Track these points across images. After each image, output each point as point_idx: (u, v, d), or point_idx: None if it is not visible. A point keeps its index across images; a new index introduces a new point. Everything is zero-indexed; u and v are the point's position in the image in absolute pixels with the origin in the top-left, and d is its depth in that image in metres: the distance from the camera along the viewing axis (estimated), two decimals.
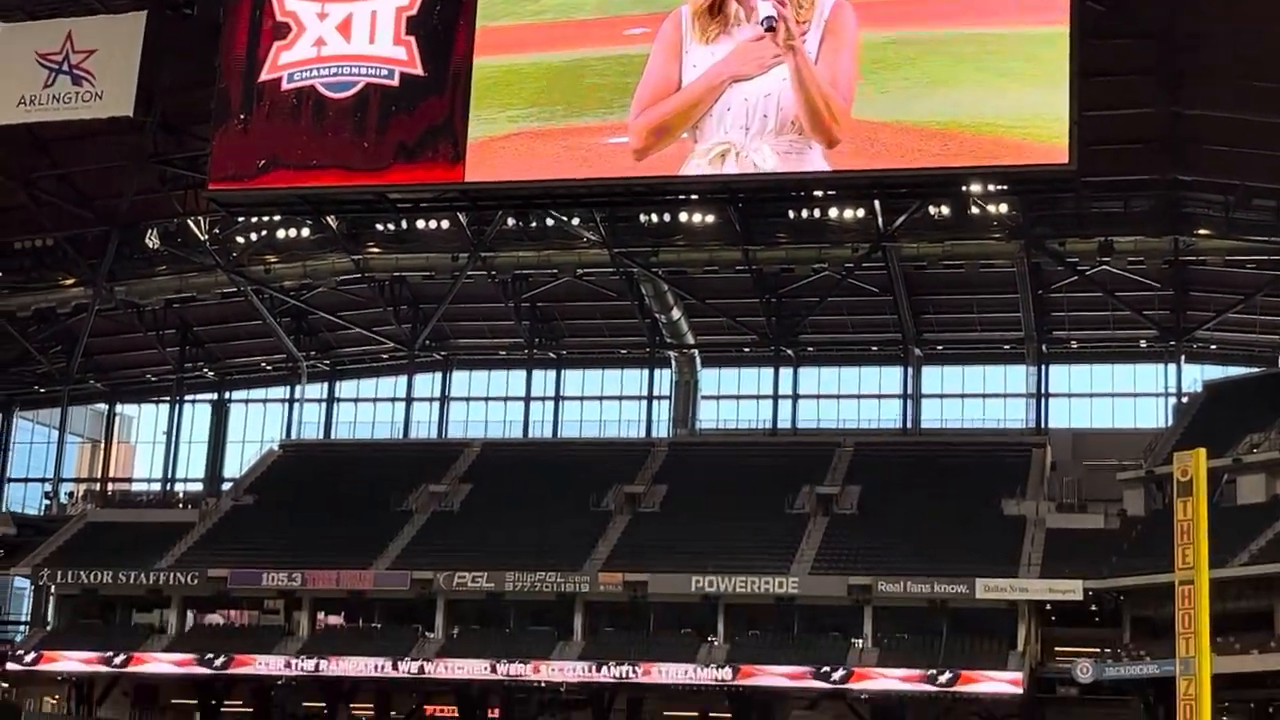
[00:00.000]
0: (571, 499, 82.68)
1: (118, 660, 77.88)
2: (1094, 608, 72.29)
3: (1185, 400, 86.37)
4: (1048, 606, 72.45)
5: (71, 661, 78.70)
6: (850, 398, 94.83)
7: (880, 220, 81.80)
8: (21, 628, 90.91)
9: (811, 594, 73.75)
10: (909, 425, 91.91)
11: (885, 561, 74.18)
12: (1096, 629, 73.17)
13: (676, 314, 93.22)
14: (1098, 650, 70.66)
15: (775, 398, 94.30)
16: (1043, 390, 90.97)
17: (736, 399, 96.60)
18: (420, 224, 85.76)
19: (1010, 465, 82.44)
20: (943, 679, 69.62)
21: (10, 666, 79.62)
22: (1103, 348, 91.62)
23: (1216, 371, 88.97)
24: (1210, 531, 53.52)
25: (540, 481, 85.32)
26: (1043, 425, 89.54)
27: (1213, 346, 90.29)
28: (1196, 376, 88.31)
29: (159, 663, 78.10)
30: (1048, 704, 73.84)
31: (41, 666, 79.03)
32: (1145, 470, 76.40)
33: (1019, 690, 69.45)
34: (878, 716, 74.68)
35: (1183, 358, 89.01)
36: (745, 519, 78.81)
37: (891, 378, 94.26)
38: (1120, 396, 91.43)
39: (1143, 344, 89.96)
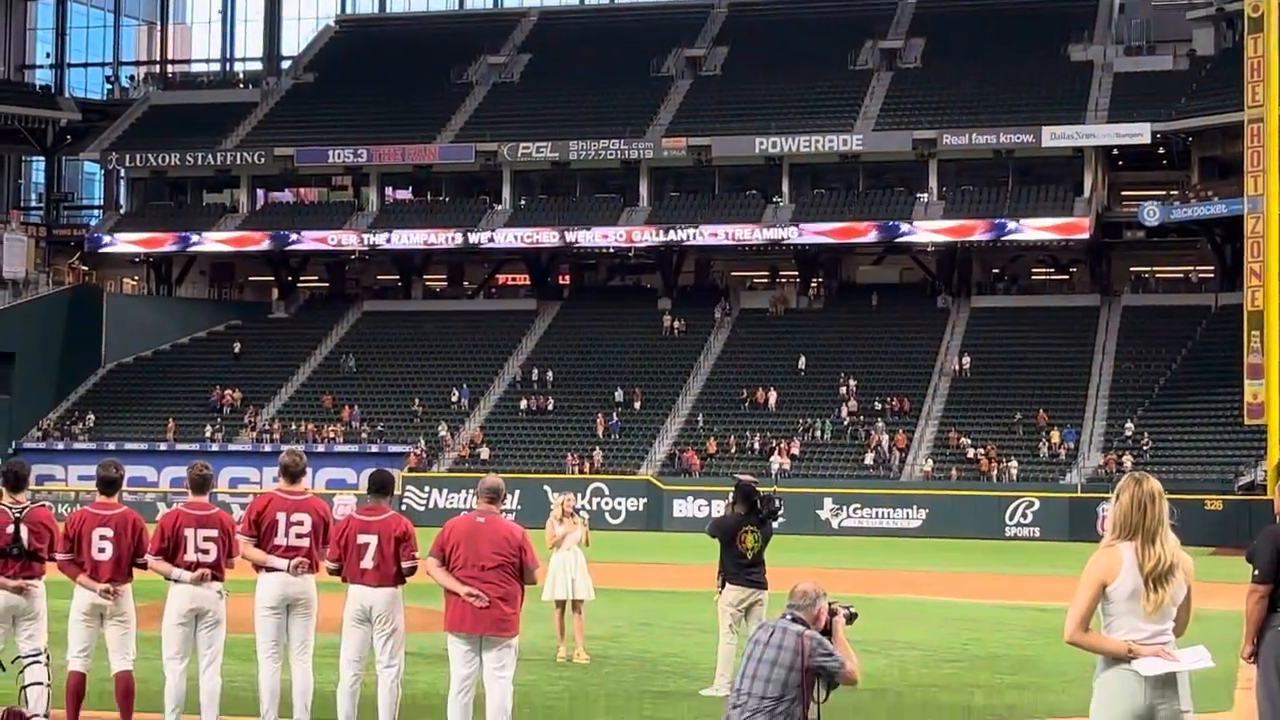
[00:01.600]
0: (632, 65, 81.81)
1: (192, 240, 79.29)
2: (1161, 150, 71.83)
3: None
4: (1114, 151, 72.11)
5: (147, 243, 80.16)
6: None
7: None
8: (95, 212, 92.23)
9: (875, 150, 73.60)
10: None
11: (950, 114, 73.62)
12: (1164, 171, 72.98)
13: None
14: (1165, 192, 70.59)
15: None
16: None
17: None
18: None
19: (1076, 8, 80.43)
20: (1008, 229, 69.98)
21: (88, 250, 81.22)
22: None
23: None
24: None
25: (599, 49, 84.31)
26: None
27: None
28: None
29: (232, 242, 79.47)
30: (1114, 248, 74.32)
31: (118, 249, 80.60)
32: (1215, 7, 74.49)
33: (1085, 236, 69.79)
34: (943, 269, 75.46)
35: None
36: (807, 77, 78.01)
37: None
38: None
39: None
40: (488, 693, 11.89)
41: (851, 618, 9.67)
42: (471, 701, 11.94)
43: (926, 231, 71.48)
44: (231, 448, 69.37)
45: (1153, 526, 7.46)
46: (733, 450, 64.88)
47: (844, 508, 60.06)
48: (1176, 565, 7.48)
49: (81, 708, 12.41)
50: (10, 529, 12.44)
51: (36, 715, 12.45)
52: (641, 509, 61.97)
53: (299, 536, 12.40)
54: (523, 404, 70.51)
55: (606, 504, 61.62)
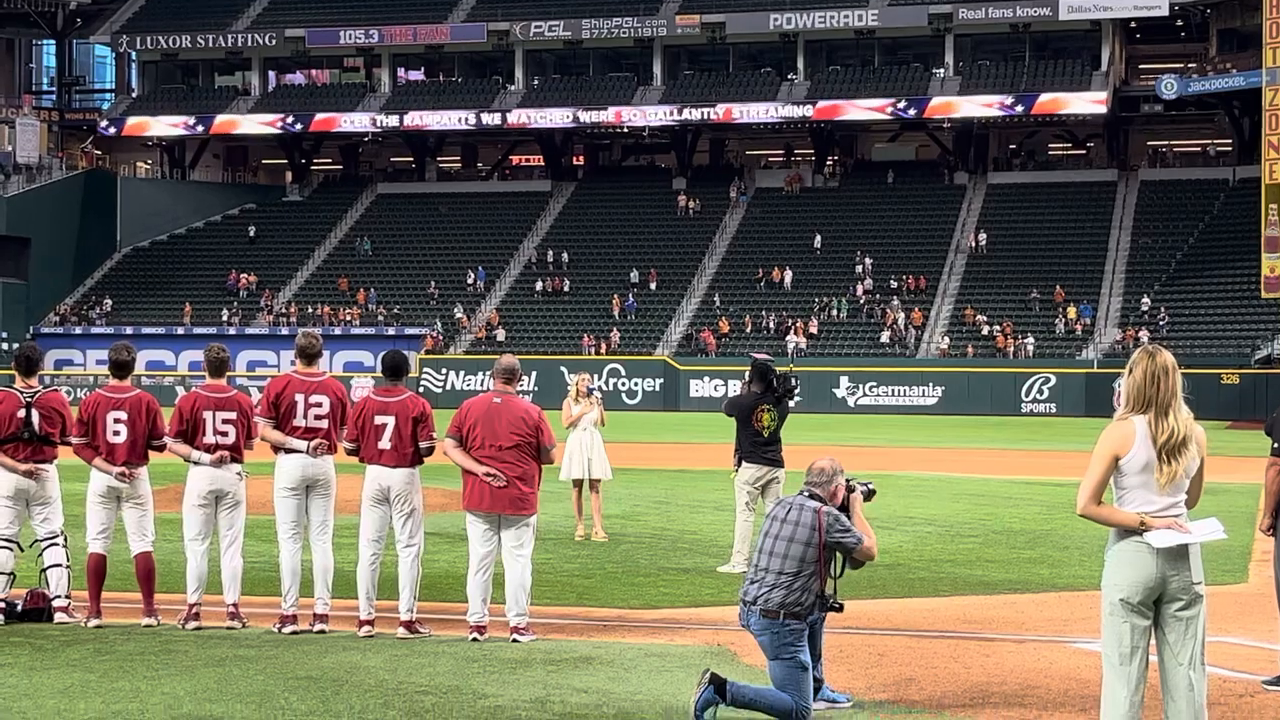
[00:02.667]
0: None
1: (205, 123, 78.96)
2: (1179, 22, 71.08)
3: None
4: (1132, 23, 71.36)
5: (159, 126, 79.91)
6: None
7: None
8: (107, 96, 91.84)
9: (891, 25, 72.84)
10: None
11: None
12: (1182, 44, 72.28)
13: None
14: (1182, 65, 69.91)
15: None
16: None
17: None
18: None
19: None
20: (1024, 104, 69.45)
21: (101, 134, 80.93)
22: None
23: None
24: None
25: None
26: None
27: None
28: None
29: (245, 124, 79.14)
30: (1132, 122, 73.80)
31: (131, 133, 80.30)
32: None
33: (1102, 110, 69.30)
34: (960, 145, 75.01)
35: None
36: None
37: None
38: None
39: None
40: (506, 571, 11.98)
41: (870, 494, 9.69)
42: (490, 579, 12.03)
43: (942, 110, 70.95)
44: (248, 331, 69.54)
45: (1166, 399, 7.44)
46: (749, 330, 64.93)
47: (860, 386, 60.16)
48: (1189, 438, 7.47)
49: (103, 588, 12.52)
50: (21, 413, 12.47)
51: (58, 596, 12.57)
52: (658, 389, 62.14)
53: (317, 418, 12.41)
54: (538, 285, 70.50)
55: (623, 384, 61.80)
